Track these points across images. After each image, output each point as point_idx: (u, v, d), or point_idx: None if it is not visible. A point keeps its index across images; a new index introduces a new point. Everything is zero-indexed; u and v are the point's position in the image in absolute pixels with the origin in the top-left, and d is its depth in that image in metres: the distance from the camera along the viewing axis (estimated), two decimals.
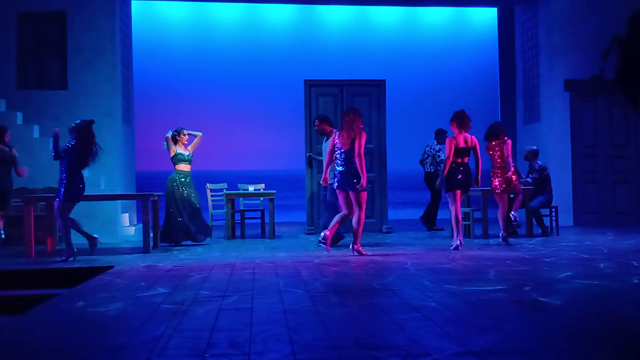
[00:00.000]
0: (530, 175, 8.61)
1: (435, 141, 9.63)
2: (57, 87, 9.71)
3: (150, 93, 12.77)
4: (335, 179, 6.69)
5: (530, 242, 7.76)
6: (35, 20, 9.76)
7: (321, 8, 13.29)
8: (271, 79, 13.52)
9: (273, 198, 8.80)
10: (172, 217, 7.94)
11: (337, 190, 6.70)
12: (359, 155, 6.44)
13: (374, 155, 9.70)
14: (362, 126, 6.57)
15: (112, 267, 6.05)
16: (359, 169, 6.45)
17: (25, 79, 9.77)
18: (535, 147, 8.80)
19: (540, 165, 8.58)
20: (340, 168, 6.61)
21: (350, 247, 6.72)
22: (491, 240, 8.06)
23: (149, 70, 12.58)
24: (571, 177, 10.51)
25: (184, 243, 8.12)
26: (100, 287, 5.00)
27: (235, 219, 9.24)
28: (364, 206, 6.65)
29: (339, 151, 6.64)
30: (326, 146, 7.43)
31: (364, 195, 6.61)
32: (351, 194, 6.58)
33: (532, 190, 8.48)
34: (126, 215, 9.63)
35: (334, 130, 7.03)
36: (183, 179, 8.05)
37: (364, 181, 6.48)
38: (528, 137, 10.97)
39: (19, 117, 9.17)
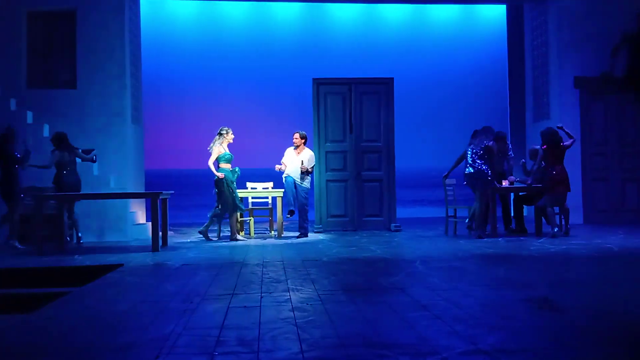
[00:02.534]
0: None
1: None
2: (66, 86, 9.75)
3: (158, 92, 12.80)
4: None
5: (539, 241, 7.73)
6: (45, 20, 9.81)
7: (329, 5, 13.27)
8: (279, 77, 13.52)
9: (282, 196, 8.81)
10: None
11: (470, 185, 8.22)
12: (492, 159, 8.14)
13: (382, 154, 9.69)
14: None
15: (122, 265, 6.08)
16: (486, 170, 8.03)
17: (35, 78, 9.82)
18: (537, 147, 8.78)
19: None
20: (470, 169, 8.06)
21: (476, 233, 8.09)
22: (500, 239, 8.03)
23: (157, 68, 12.60)
24: (581, 175, 10.45)
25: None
26: (110, 285, 5.03)
27: (244, 217, 9.26)
28: (484, 200, 8.14)
29: (471, 153, 8.04)
30: (288, 154, 8.86)
31: (486, 192, 8.09)
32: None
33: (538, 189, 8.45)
34: (137, 213, 9.68)
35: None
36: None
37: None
38: (537, 135, 10.89)
39: (29, 115, 9.23)
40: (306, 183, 8.76)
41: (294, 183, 8.66)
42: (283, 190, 8.88)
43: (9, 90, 9.35)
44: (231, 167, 8.46)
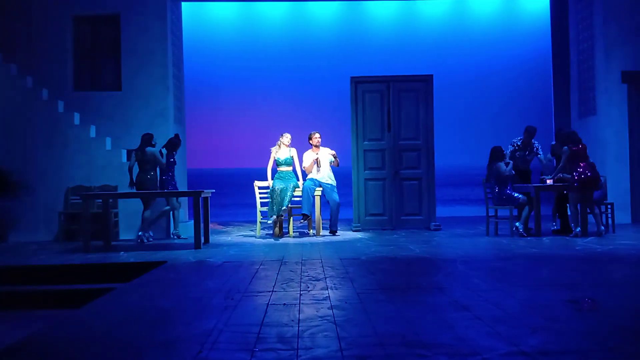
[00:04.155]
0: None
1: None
2: (111, 88, 10.03)
3: (200, 92, 13.03)
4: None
5: (585, 240, 7.53)
6: (90, 24, 10.11)
7: (366, 3, 13.24)
8: (317, 77, 13.56)
9: (320, 195, 8.83)
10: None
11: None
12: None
13: (421, 152, 9.60)
14: None
15: (165, 262, 6.22)
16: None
17: (81, 80, 10.14)
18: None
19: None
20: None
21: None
22: (544, 239, 7.86)
23: (198, 70, 12.83)
24: (629, 172, 10.11)
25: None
26: (154, 282, 5.15)
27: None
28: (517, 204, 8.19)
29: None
30: (309, 157, 8.97)
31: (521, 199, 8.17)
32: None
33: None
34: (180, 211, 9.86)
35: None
36: (279, 179, 8.60)
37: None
38: (583, 131, 10.58)
39: (76, 117, 9.53)
40: (326, 178, 8.83)
41: (315, 188, 8.67)
42: (321, 188, 8.90)
43: (57, 93, 9.67)
44: (292, 169, 8.77)
